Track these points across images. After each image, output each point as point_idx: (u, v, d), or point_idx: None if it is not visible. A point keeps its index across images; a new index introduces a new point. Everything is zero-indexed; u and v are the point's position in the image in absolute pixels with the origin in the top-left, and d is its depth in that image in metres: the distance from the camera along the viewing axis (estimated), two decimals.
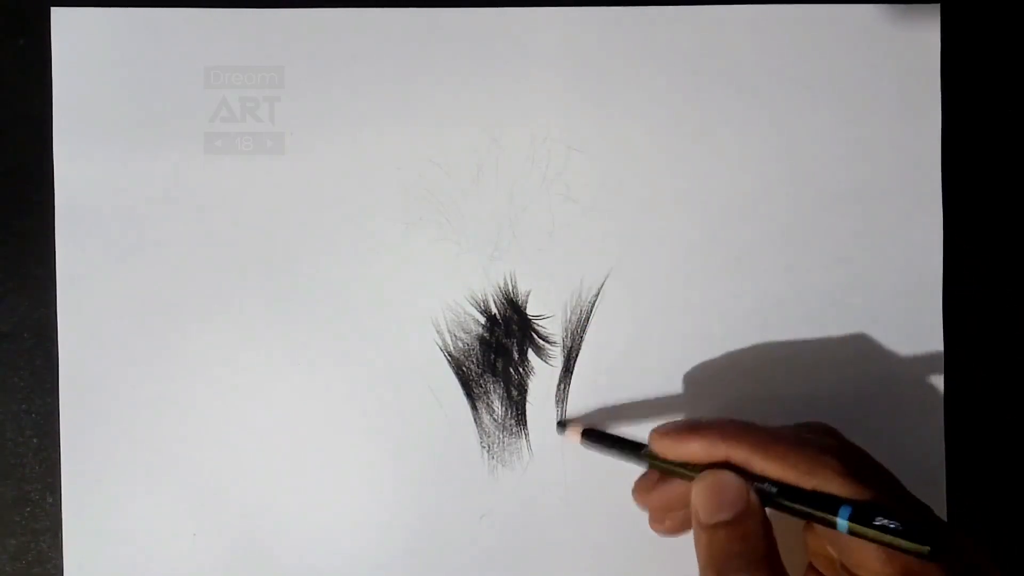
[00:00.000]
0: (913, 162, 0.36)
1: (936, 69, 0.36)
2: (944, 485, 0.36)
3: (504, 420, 0.36)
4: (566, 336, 0.36)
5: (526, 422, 0.36)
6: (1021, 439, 0.36)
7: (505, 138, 0.36)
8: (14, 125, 0.36)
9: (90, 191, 0.35)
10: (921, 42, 0.36)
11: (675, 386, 0.35)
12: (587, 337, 0.36)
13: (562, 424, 0.35)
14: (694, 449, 0.29)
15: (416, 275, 0.36)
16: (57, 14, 0.35)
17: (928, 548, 0.24)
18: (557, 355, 0.36)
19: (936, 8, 0.36)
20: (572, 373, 0.36)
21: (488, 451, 0.35)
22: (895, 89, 0.36)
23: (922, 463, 0.36)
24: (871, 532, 0.26)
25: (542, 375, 0.36)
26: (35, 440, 0.35)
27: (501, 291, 0.36)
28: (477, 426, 0.36)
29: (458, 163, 0.36)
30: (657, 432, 0.31)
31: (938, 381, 0.36)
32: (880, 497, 0.26)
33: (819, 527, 0.28)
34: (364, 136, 0.36)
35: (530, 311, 0.36)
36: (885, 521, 0.25)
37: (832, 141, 0.36)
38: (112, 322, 0.35)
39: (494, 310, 0.36)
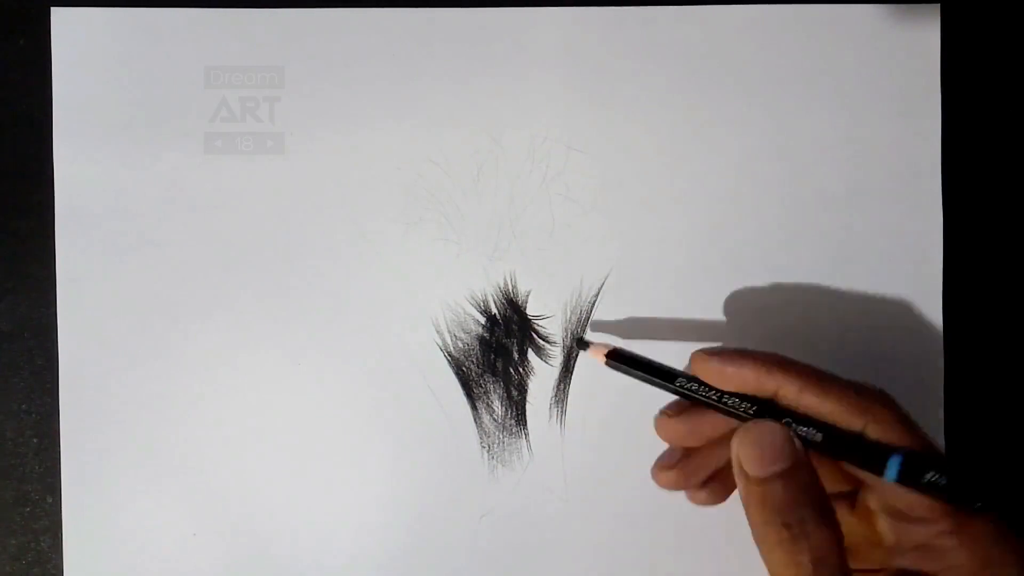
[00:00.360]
0: (913, 162, 0.36)
1: (936, 69, 0.36)
2: None
3: (504, 420, 0.36)
4: (566, 336, 0.36)
5: (526, 422, 0.36)
6: (1021, 439, 0.36)
7: (505, 138, 0.36)
8: (14, 125, 0.36)
9: (90, 191, 0.35)
10: (921, 42, 0.36)
11: None
12: (587, 337, 0.36)
13: (582, 341, 0.34)
14: (745, 375, 0.28)
15: (416, 275, 0.36)
16: (57, 14, 0.35)
17: (979, 503, 0.25)
18: (557, 355, 0.36)
19: (936, 8, 0.36)
20: (572, 373, 0.36)
21: (488, 451, 0.35)
22: (895, 89, 0.36)
23: None
24: (922, 485, 0.25)
25: (542, 375, 0.36)
26: (35, 440, 0.35)
27: (501, 291, 0.36)
28: (477, 426, 0.36)
29: (458, 163, 0.36)
30: (703, 353, 0.30)
31: (938, 381, 0.36)
32: (929, 447, 0.26)
33: (866, 476, 0.27)
34: (364, 136, 0.36)
35: (530, 311, 0.36)
36: (936, 476, 0.25)
37: (832, 141, 0.36)
38: (112, 322, 0.35)
39: (494, 310, 0.36)
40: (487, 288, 0.36)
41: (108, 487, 0.35)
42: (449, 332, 0.36)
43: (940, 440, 0.36)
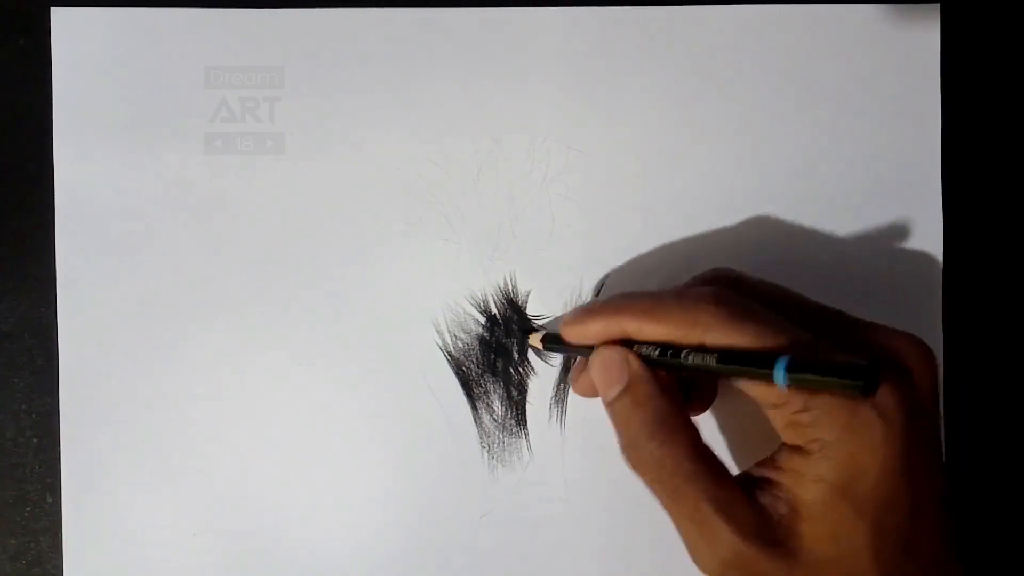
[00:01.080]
0: (913, 162, 0.36)
1: (936, 69, 0.36)
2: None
3: (504, 420, 0.36)
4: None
5: (526, 422, 0.36)
6: (1021, 439, 0.36)
7: (505, 138, 0.36)
8: (14, 125, 0.36)
9: (90, 191, 0.35)
10: (921, 42, 0.36)
11: None
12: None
13: (525, 331, 0.36)
14: (594, 328, 0.30)
15: (416, 275, 0.36)
16: (57, 14, 0.35)
17: (860, 383, 0.24)
18: (557, 355, 0.36)
19: (936, 8, 0.36)
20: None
21: (488, 451, 0.35)
22: (895, 89, 0.36)
23: None
24: (809, 378, 0.25)
25: (542, 375, 0.36)
26: (35, 440, 0.35)
27: (501, 291, 0.36)
28: (477, 426, 0.36)
29: (458, 163, 0.36)
30: (564, 320, 0.32)
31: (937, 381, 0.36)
32: (760, 338, 0.27)
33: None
34: (364, 136, 0.36)
35: (530, 311, 0.36)
36: (818, 378, 0.25)
37: (832, 141, 0.36)
38: (112, 322, 0.35)
39: (494, 310, 0.36)
40: (487, 288, 0.36)
41: (108, 487, 0.35)
42: (449, 332, 0.36)
43: (940, 441, 0.36)
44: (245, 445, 0.35)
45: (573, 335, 0.31)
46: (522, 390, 0.36)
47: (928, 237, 0.36)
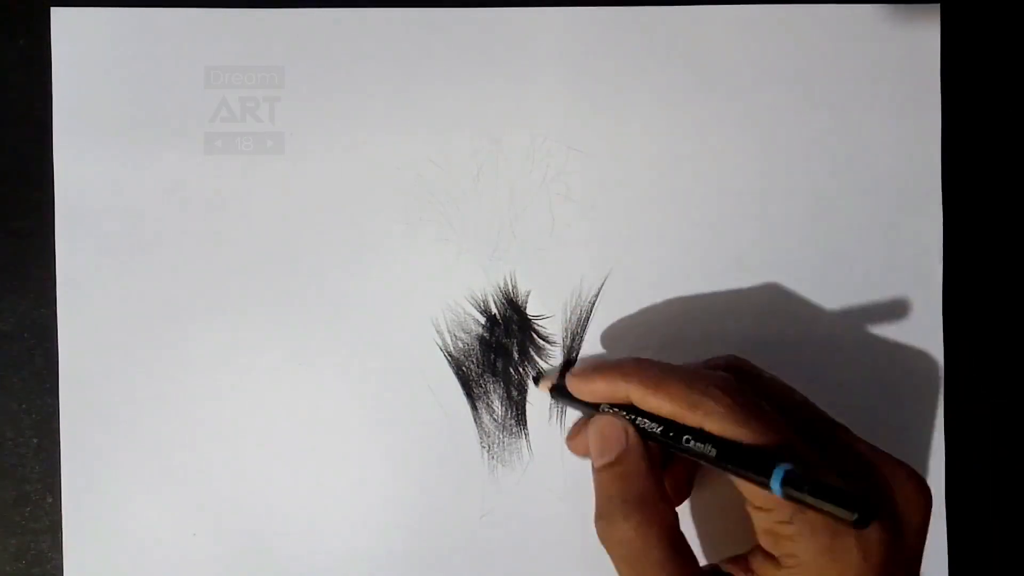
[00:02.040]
0: (913, 162, 0.36)
1: (936, 69, 0.36)
2: (944, 485, 0.36)
3: (504, 420, 0.36)
4: (566, 336, 0.36)
5: (526, 422, 0.36)
6: (1021, 439, 0.36)
7: (505, 138, 0.36)
8: (14, 125, 0.36)
9: (90, 191, 0.35)
10: (921, 42, 0.36)
11: None
12: (587, 337, 0.36)
13: (536, 379, 0.35)
14: (599, 387, 0.31)
15: (416, 275, 0.36)
16: (57, 14, 0.35)
17: (855, 515, 0.24)
18: (557, 355, 0.36)
19: (936, 8, 0.36)
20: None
21: (488, 451, 0.35)
22: (895, 89, 0.36)
23: (922, 463, 0.36)
24: (806, 497, 0.25)
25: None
26: (35, 440, 0.35)
27: (501, 291, 0.36)
28: (477, 426, 0.36)
29: (458, 163, 0.36)
30: (571, 373, 0.32)
31: (938, 381, 0.36)
32: (760, 437, 0.27)
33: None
34: (364, 136, 0.36)
35: (530, 311, 0.36)
36: (816, 501, 0.24)
37: (832, 141, 0.36)
38: (112, 322, 0.35)
39: (494, 310, 0.36)
40: (487, 288, 0.36)
41: (108, 487, 0.35)
42: (449, 332, 0.36)
43: (940, 440, 0.36)
44: (245, 445, 0.35)
45: (577, 390, 0.32)
46: (522, 390, 0.36)
47: (928, 237, 0.36)
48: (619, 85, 0.36)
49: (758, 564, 0.28)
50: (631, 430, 0.30)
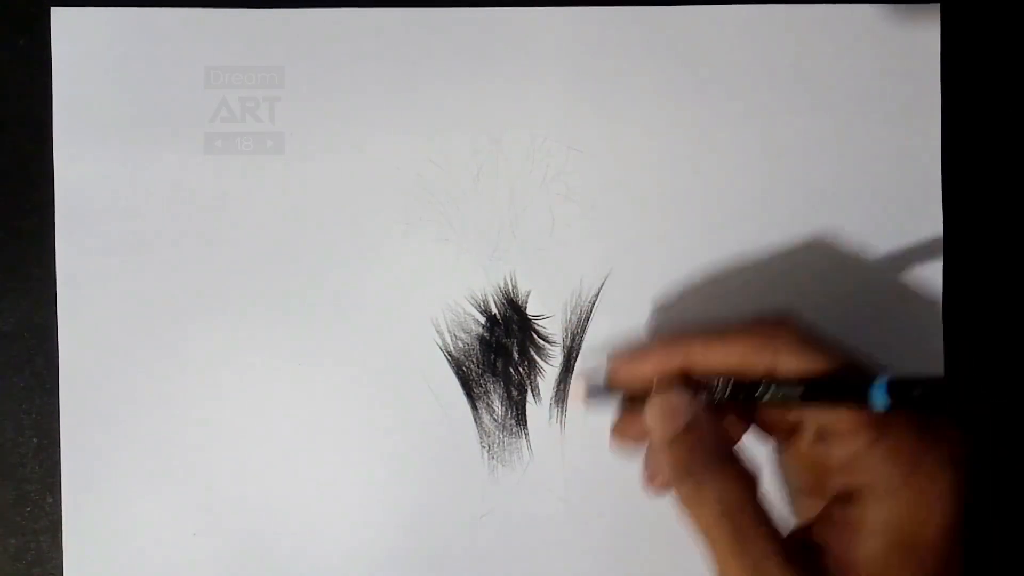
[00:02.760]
0: (913, 162, 0.36)
1: (936, 69, 0.36)
2: None
3: (504, 420, 0.36)
4: (566, 336, 0.36)
5: (526, 422, 0.36)
6: (1021, 439, 0.36)
7: (505, 138, 0.36)
8: (14, 125, 0.36)
9: (90, 191, 0.35)
10: (921, 42, 0.36)
11: None
12: (587, 337, 0.36)
13: (558, 392, 0.35)
14: (652, 362, 0.30)
15: (416, 275, 0.36)
16: (57, 14, 0.35)
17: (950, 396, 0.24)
18: (557, 355, 0.36)
19: (936, 8, 0.36)
20: (572, 373, 0.36)
21: (488, 451, 0.35)
22: (895, 89, 0.36)
23: None
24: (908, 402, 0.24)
25: (542, 375, 0.36)
26: (35, 440, 0.35)
27: (501, 291, 0.36)
28: (477, 426, 0.36)
29: (458, 163, 0.36)
30: (613, 359, 0.31)
31: None
32: (838, 360, 0.26)
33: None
34: (364, 136, 0.36)
35: (530, 311, 0.36)
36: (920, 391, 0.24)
37: (832, 141, 0.36)
38: (112, 322, 0.35)
39: (494, 310, 0.36)
40: (487, 288, 0.36)
41: (108, 487, 0.35)
42: (449, 332, 0.36)
43: None
44: (245, 445, 0.35)
45: (626, 373, 0.31)
46: (522, 390, 0.36)
47: (928, 237, 0.36)
48: (619, 85, 0.36)
49: (840, 512, 0.26)
50: (697, 398, 0.29)
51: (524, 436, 0.36)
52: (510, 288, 0.36)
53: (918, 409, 0.25)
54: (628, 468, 0.35)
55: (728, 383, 0.28)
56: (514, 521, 0.35)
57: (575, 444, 0.35)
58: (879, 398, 0.24)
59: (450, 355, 0.36)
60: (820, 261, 0.36)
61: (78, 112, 0.35)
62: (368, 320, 0.35)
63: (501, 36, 0.36)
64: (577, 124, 0.36)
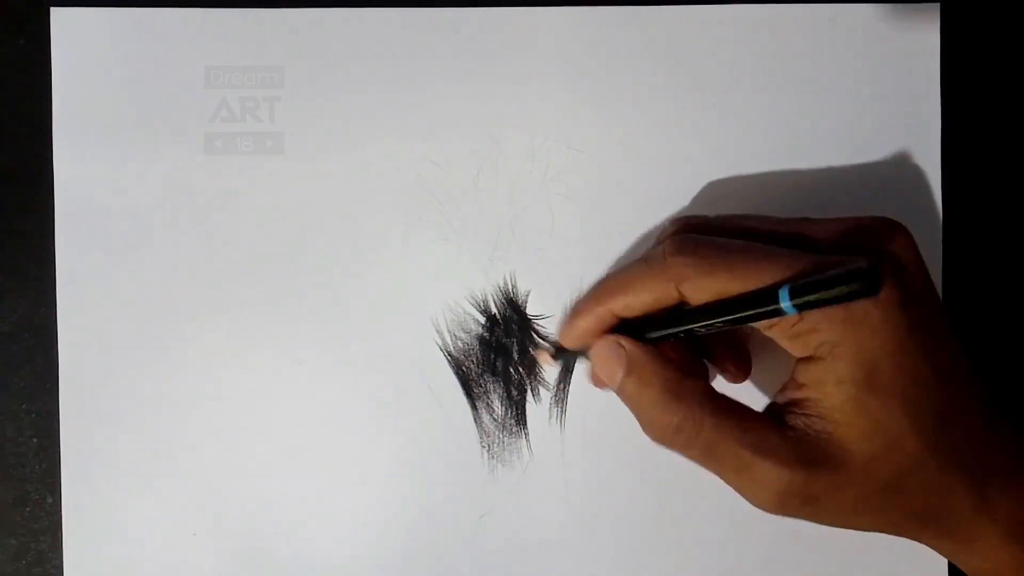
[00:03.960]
0: (913, 162, 0.36)
1: (936, 69, 0.36)
2: None
3: (504, 420, 0.36)
4: None
5: (526, 422, 0.36)
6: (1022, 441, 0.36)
7: (505, 138, 0.36)
8: (14, 125, 0.36)
9: (90, 191, 0.35)
10: (921, 42, 0.36)
11: None
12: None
13: (527, 344, 0.36)
14: (585, 325, 0.31)
15: (416, 275, 0.36)
16: (57, 14, 0.35)
17: (864, 286, 0.24)
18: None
19: (936, 8, 0.36)
20: (572, 373, 0.36)
21: (488, 451, 0.35)
22: (895, 89, 0.36)
23: None
24: (813, 298, 0.25)
25: (542, 375, 0.36)
26: (35, 440, 0.35)
27: (501, 291, 0.36)
28: (477, 426, 0.36)
29: (458, 163, 0.36)
30: (560, 329, 0.33)
31: None
32: (739, 274, 0.27)
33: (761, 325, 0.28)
34: (364, 136, 0.36)
35: (530, 311, 0.36)
36: (825, 294, 0.25)
37: (832, 141, 0.36)
38: (112, 322, 0.35)
39: (494, 310, 0.36)
40: (487, 288, 0.36)
41: (108, 487, 0.35)
42: (449, 332, 0.36)
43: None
44: (245, 445, 0.35)
45: (570, 340, 0.32)
46: (522, 390, 0.36)
47: (928, 237, 0.36)
48: (619, 85, 0.36)
49: (803, 375, 0.28)
50: (623, 339, 0.30)
51: (524, 436, 0.36)
52: (510, 288, 0.36)
53: (828, 303, 0.25)
54: (628, 468, 0.35)
55: (655, 327, 0.30)
56: (514, 521, 0.35)
57: (575, 444, 0.35)
58: (786, 305, 0.26)
59: (450, 355, 0.36)
60: None
61: (78, 112, 0.35)
62: (368, 320, 0.35)
63: (501, 36, 0.36)
64: (577, 124, 0.36)
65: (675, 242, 0.29)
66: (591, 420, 0.35)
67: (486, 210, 0.36)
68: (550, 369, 0.35)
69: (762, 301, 0.26)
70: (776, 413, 0.29)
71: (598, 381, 0.34)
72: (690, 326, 0.29)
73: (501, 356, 0.36)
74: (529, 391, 0.36)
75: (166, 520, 0.35)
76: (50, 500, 0.35)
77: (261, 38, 0.35)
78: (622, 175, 0.36)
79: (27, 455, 0.35)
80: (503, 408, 0.36)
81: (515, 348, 0.36)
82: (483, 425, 0.36)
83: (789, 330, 0.27)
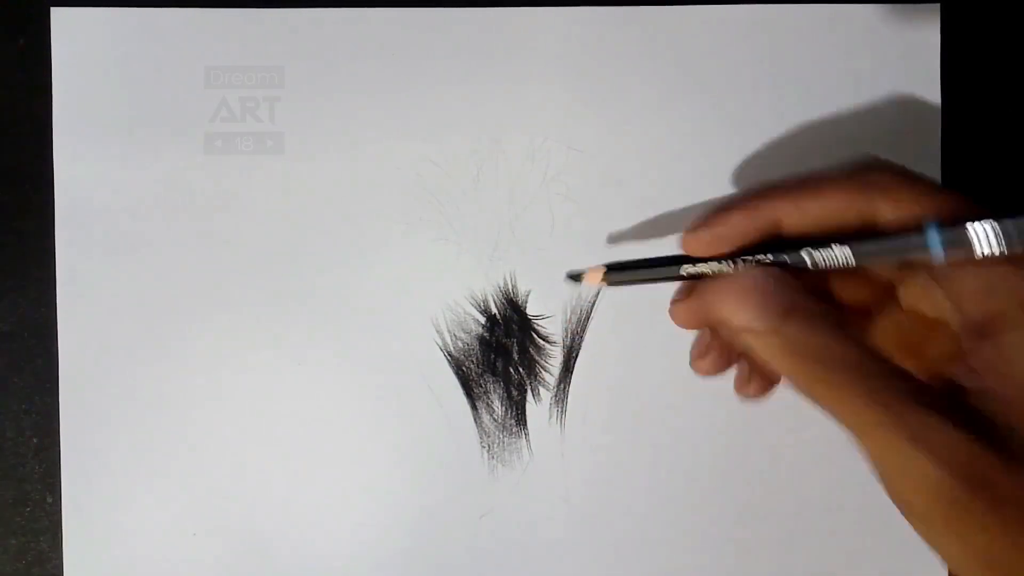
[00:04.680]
0: (913, 162, 0.36)
1: (936, 69, 0.36)
2: None
3: (504, 420, 0.36)
4: (566, 336, 0.36)
5: (526, 422, 0.36)
6: None
7: (505, 138, 0.36)
8: (14, 125, 0.36)
9: (90, 191, 0.35)
10: (921, 42, 0.36)
11: (675, 385, 0.35)
12: (587, 337, 0.36)
13: (575, 276, 0.31)
14: (735, 226, 0.26)
15: (416, 275, 0.36)
16: (57, 14, 0.35)
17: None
18: (557, 355, 0.36)
19: (936, 8, 0.36)
20: (572, 373, 0.36)
21: (488, 451, 0.35)
22: (895, 89, 0.36)
23: None
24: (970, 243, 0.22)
25: (542, 374, 0.36)
26: (35, 440, 0.35)
27: (501, 291, 0.36)
28: (477, 426, 0.36)
29: (458, 163, 0.36)
30: (688, 231, 0.27)
31: None
32: (944, 197, 0.23)
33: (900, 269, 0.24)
34: (364, 136, 0.36)
35: (530, 311, 0.36)
36: (995, 225, 0.22)
37: (832, 141, 0.36)
38: (112, 322, 0.35)
39: (494, 310, 0.36)
40: (487, 288, 0.36)
41: (108, 487, 0.35)
42: (449, 332, 0.36)
43: None
44: (245, 445, 0.35)
45: (708, 242, 0.26)
46: (522, 390, 0.36)
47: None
48: (619, 85, 0.36)
49: (974, 351, 0.23)
50: (790, 276, 0.25)
51: (524, 436, 0.36)
52: (510, 288, 0.36)
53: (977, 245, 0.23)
54: (628, 468, 0.35)
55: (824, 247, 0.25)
56: (514, 521, 0.35)
57: (575, 444, 0.35)
58: (935, 248, 0.23)
59: (450, 355, 0.36)
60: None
61: (78, 112, 0.35)
62: (368, 320, 0.35)
63: (501, 36, 0.36)
64: (577, 124, 0.36)
65: (876, 159, 0.25)
66: (591, 420, 0.35)
67: (486, 210, 0.36)
68: (590, 284, 0.31)
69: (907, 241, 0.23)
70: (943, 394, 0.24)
71: (696, 316, 0.27)
72: (879, 248, 0.24)
73: (501, 356, 0.36)
74: (529, 391, 0.36)
75: (166, 520, 0.35)
76: (50, 500, 0.35)
77: (261, 38, 0.36)
78: (622, 175, 0.36)
79: (27, 455, 0.35)
80: (503, 408, 0.36)
81: (515, 348, 0.36)
82: (483, 425, 0.36)
83: (982, 280, 0.23)
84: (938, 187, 0.25)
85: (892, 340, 0.28)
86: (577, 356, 0.36)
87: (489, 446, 0.36)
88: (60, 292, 0.35)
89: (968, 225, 0.23)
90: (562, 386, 0.36)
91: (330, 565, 0.35)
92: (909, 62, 0.36)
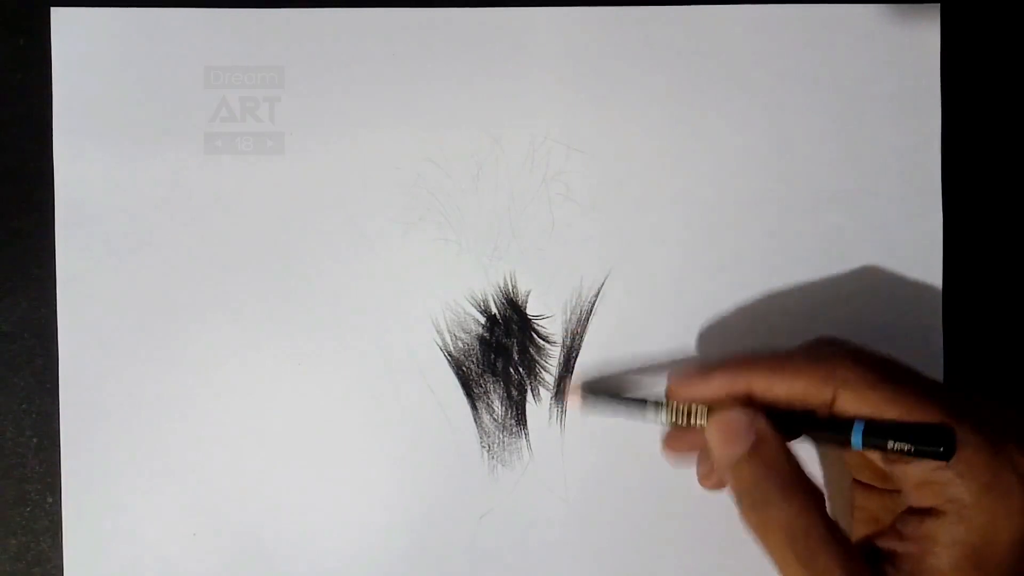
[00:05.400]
0: (913, 162, 0.36)
1: (936, 69, 0.36)
2: None
3: (504, 420, 0.36)
4: (566, 336, 0.36)
5: (526, 422, 0.36)
6: None
7: (505, 138, 0.36)
8: (14, 125, 0.36)
9: (90, 191, 0.35)
10: (921, 42, 0.36)
11: None
12: (587, 337, 0.36)
13: (558, 392, 0.35)
14: (715, 386, 0.30)
15: (416, 275, 0.36)
16: (57, 14, 0.35)
17: (942, 449, 0.25)
18: (557, 355, 0.36)
19: (936, 8, 0.36)
20: (572, 373, 0.36)
21: (488, 451, 0.35)
22: (895, 89, 0.36)
23: None
24: (886, 450, 0.26)
25: (542, 375, 0.36)
26: (35, 440, 0.35)
27: (501, 291, 0.36)
28: (477, 426, 0.36)
29: (458, 163, 0.36)
30: (675, 375, 0.31)
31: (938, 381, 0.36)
32: (896, 399, 0.27)
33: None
34: (364, 136, 0.36)
35: (530, 311, 0.36)
36: (897, 444, 0.26)
37: (832, 141, 0.36)
38: (112, 322, 0.35)
39: (494, 310, 0.36)
40: (487, 288, 0.36)
41: (108, 487, 0.35)
42: (449, 332, 0.36)
43: None
44: (245, 445, 0.35)
45: (689, 392, 0.31)
46: (522, 390, 0.36)
47: (928, 237, 0.36)
48: (619, 85, 0.36)
49: (913, 527, 0.27)
50: (760, 416, 0.29)
51: (524, 436, 0.36)
52: (510, 288, 0.36)
53: (889, 453, 0.27)
54: (627, 468, 0.35)
55: (784, 414, 0.29)
56: (514, 521, 0.35)
57: (575, 444, 0.35)
58: (856, 440, 0.27)
59: (450, 355, 0.36)
60: (820, 262, 0.36)
61: (78, 112, 0.35)
62: (368, 320, 0.35)
63: (501, 36, 0.36)
64: (577, 124, 0.36)
65: (851, 351, 0.29)
66: (591, 420, 0.35)
67: (486, 210, 0.36)
68: (571, 406, 0.35)
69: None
70: (868, 554, 0.28)
71: (678, 447, 0.33)
72: (834, 435, 0.28)
73: (501, 356, 0.36)
74: (529, 391, 0.36)
75: (166, 520, 0.35)
76: (50, 500, 0.35)
77: (261, 38, 0.36)
78: (622, 175, 0.36)
79: (27, 455, 0.35)
80: (503, 408, 0.36)
81: (515, 348, 0.36)
82: (483, 425, 0.36)
83: (926, 473, 0.27)
84: (894, 388, 0.28)
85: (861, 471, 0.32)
86: (577, 356, 0.36)
87: (489, 446, 0.36)
88: (60, 292, 0.35)
89: (889, 442, 0.27)
90: (562, 386, 0.36)
91: (330, 565, 0.35)
92: (909, 62, 0.36)
